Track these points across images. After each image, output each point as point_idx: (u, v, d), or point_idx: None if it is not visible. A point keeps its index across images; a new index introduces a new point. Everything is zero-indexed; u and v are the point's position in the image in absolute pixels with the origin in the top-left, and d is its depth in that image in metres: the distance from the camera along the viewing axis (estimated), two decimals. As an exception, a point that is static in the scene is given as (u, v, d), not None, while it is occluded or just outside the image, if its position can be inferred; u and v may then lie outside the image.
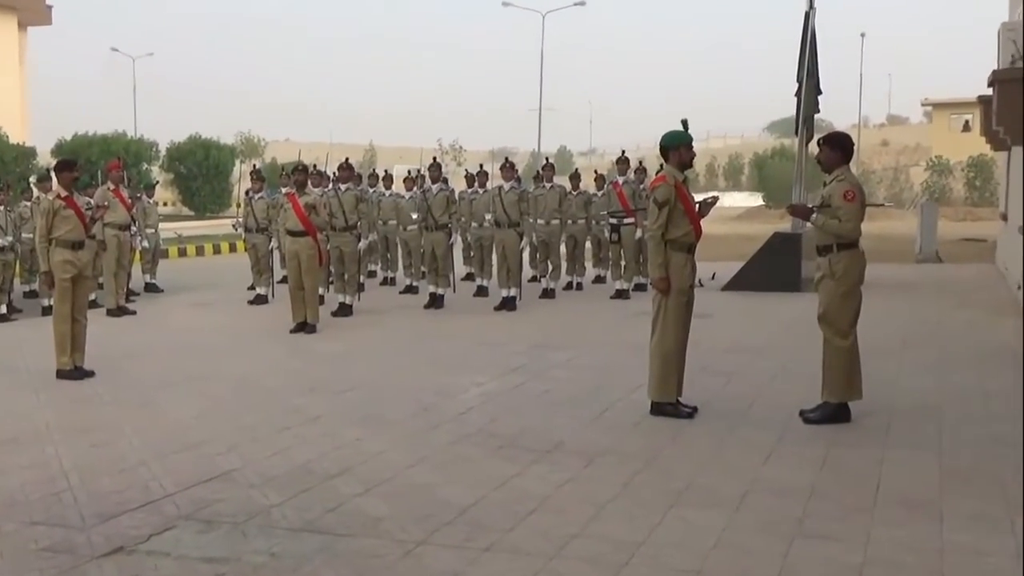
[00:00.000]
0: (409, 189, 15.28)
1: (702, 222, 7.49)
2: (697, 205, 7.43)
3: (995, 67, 13.34)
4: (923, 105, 71.51)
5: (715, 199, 7.87)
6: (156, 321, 13.15)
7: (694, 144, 7.54)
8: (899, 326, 11.44)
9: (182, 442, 6.64)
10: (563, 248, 15.58)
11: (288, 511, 5.23)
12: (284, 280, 13.80)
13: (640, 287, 15.07)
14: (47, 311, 12.27)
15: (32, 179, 18.90)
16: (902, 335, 10.84)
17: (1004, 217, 18.85)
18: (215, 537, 4.88)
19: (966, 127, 56.88)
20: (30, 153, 35.53)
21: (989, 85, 13.14)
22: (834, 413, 6.97)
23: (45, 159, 34.06)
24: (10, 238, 13.78)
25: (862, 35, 63.16)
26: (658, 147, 7.48)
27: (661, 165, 7.65)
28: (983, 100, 15.00)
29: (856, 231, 6.97)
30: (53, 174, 9.61)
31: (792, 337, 10.60)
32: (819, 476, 5.77)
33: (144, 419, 7.34)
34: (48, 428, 7.09)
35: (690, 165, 7.52)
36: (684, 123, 7.50)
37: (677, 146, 7.34)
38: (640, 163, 16.19)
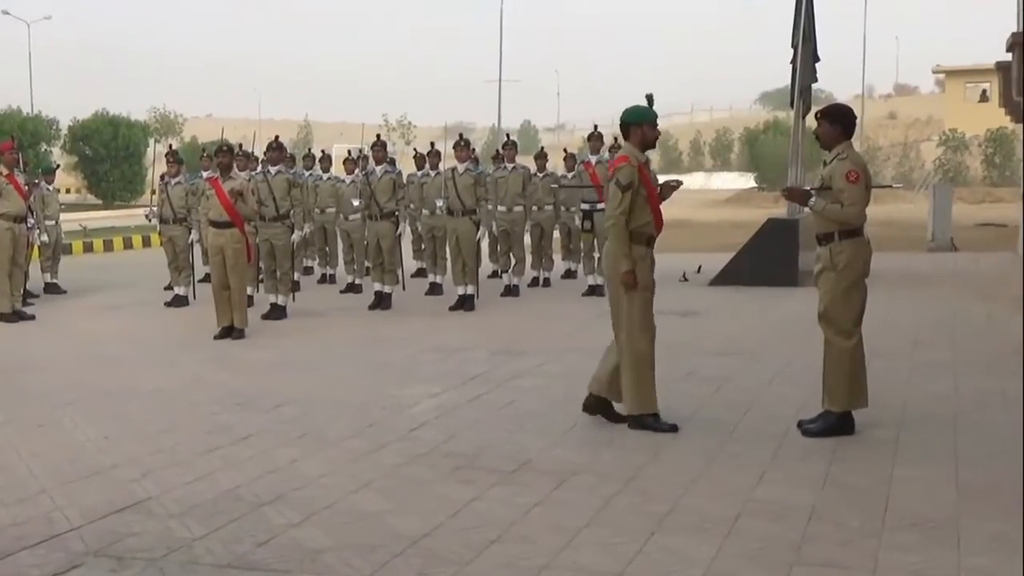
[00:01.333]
0: (350, 172, 15.26)
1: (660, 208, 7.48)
2: (658, 188, 7.45)
3: (1015, 28, 13.48)
4: (935, 73, 72.24)
5: (678, 183, 7.88)
6: (58, 327, 13.05)
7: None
8: (909, 324, 11.55)
9: (90, 467, 6.58)
10: (527, 239, 15.57)
11: (213, 545, 5.19)
12: (207, 279, 13.73)
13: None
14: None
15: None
16: (913, 334, 10.95)
17: (1027, 199, 19.06)
18: (129, 575, 4.85)
19: (983, 97, 57.59)
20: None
21: (1008, 49, 13.28)
22: (837, 424, 7.01)
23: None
24: None
25: (866, -7, 63.62)
26: (617, 123, 7.51)
27: (614, 139, 7.61)
28: (1002, 66, 15.18)
29: (861, 216, 6.99)
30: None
31: (789, 338, 10.68)
32: (820, 496, 5.81)
33: (45, 441, 7.27)
34: (-68, 453, 7.02)
35: (653, 145, 7.56)
36: (649, 98, 7.55)
37: (640, 123, 7.37)
38: (616, 140, 16.17)
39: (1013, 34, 13.09)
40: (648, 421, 7.24)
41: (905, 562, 4.83)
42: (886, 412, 7.43)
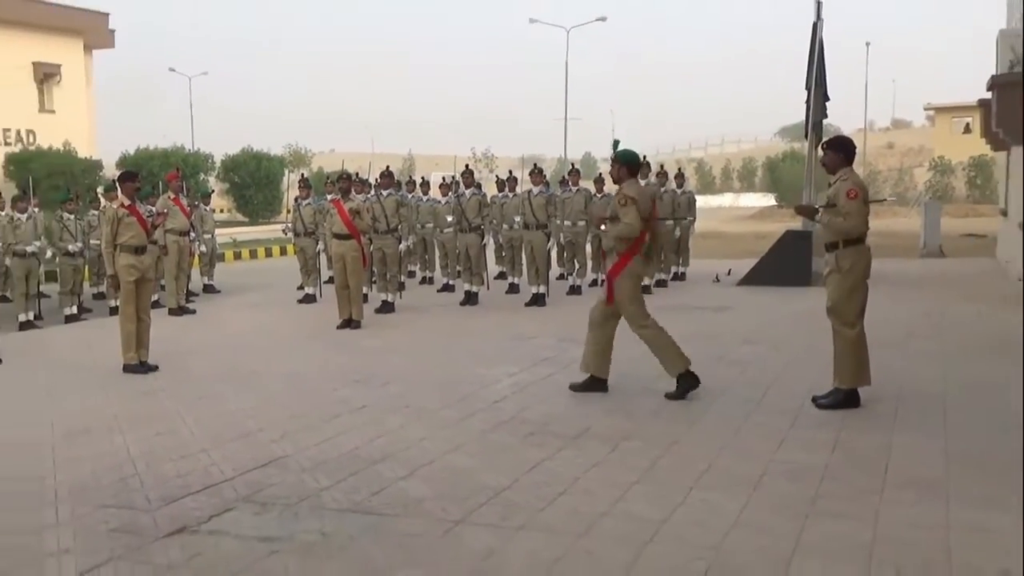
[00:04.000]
0: (445, 194, 15.30)
1: None
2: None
3: (994, 72, 13.17)
4: (926, 109, 70.73)
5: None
6: (214, 320, 13.26)
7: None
8: (905, 318, 11.33)
9: (239, 431, 6.70)
10: (588, 247, 15.51)
11: (337, 493, 5.26)
12: (331, 280, 13.90)
13: (660, 283, 15.05)
14: (114, 311, 12.40)
15: (99, 190, 19.09)
16: (907, 327, 10.74)
17: (1004, 213, 18.62)
18: (270, 518, 4.91)
19: (967, 129, 56.24)
20: (97, 166, 35.92)
21: (989, 89, 12.98)
22: (845, 399, 6.91)
23: (111, 171, 34.38)
24: (80, 244, 13.93)
25: (867, 44, 62.42)
26: (623, 161, 7.73)
27: (660, 167, 7.61)
28: (983, 103, 14.82)
29: (860, 228, 6.86)
30: (117, 185, 9.68)
31: (804, 328, 10.51)
32: (831, 459, 5.72)
33: (203, 410, 7.41)
34: (116, 419, 7.17)
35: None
36: (615, 143, 7.92)
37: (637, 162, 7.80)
38: (661, 166, 16.12)
39: (992, 76, 12.79)
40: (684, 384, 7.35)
41: (902, 515, 4.74)
42: (886, 390, 7.30)
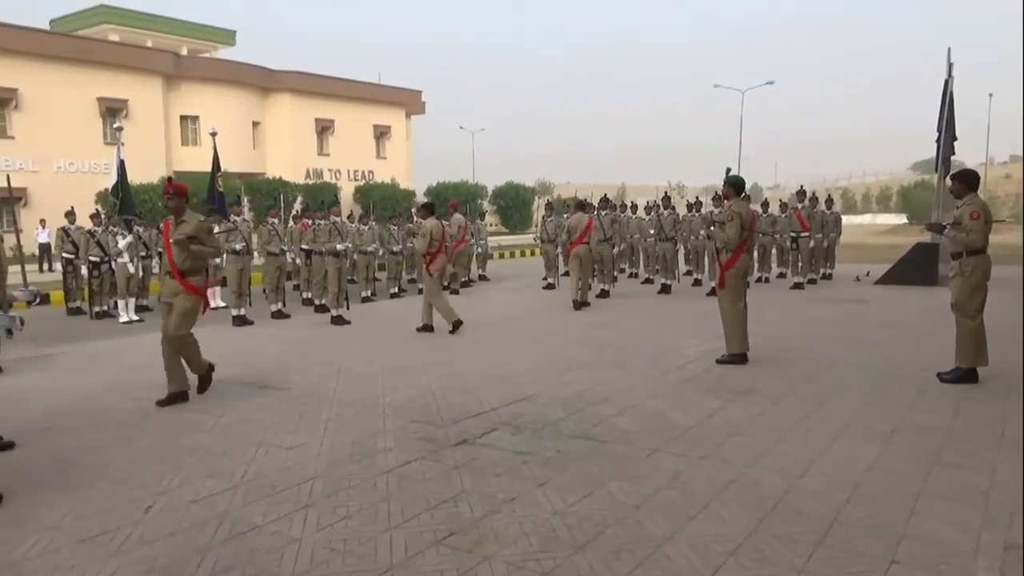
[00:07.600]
0: (648, 213, 15.08)
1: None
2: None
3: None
4: (1040, 146, 62.27)
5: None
6: (486, 299, 13.63)
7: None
8: (1019, 312, 10.04)
9: (501, 375, 6.84)
10: (755, 253, 14.80)
11: (569, 424, 5.27)
12: (565, 273, 14.01)
13: (812, 281, 14.13)
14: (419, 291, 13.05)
15: (413, 210, 20.27)
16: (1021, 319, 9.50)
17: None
18: (522, 438, 4.98)
19: (1078, 162, 49.06)
20: (411, 194, 38.05)
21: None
22: (965, 375, 6.21)
23: (421, 198, 36.41)
24: (349, 243, 14.05)
25: (990, 95, 55.44)
26: (731, 184, 7.28)
27: (812, 194, 7.12)
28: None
29: (980, 241, 6.15)
30: (423, 209, 10.18)
31: (930, 319, 9.56)
32: (953, 422, 5.16)
33: (478, 359, 7.62)
34: (422, 363, 7.49)
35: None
36: (728, 170, 7.45)
37: (739, 185, 7.31)
38: (813, 193, 15.11)
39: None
40: (729, 358, 7.10)
41: (1015, 469, 4.19)
42: (1002, 370, 6.50)
